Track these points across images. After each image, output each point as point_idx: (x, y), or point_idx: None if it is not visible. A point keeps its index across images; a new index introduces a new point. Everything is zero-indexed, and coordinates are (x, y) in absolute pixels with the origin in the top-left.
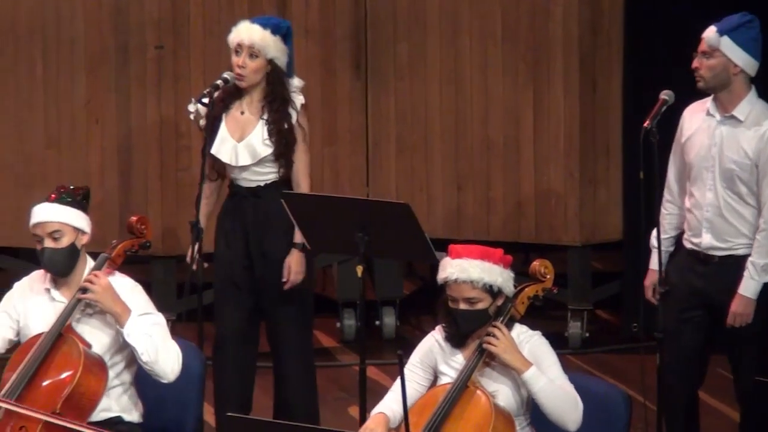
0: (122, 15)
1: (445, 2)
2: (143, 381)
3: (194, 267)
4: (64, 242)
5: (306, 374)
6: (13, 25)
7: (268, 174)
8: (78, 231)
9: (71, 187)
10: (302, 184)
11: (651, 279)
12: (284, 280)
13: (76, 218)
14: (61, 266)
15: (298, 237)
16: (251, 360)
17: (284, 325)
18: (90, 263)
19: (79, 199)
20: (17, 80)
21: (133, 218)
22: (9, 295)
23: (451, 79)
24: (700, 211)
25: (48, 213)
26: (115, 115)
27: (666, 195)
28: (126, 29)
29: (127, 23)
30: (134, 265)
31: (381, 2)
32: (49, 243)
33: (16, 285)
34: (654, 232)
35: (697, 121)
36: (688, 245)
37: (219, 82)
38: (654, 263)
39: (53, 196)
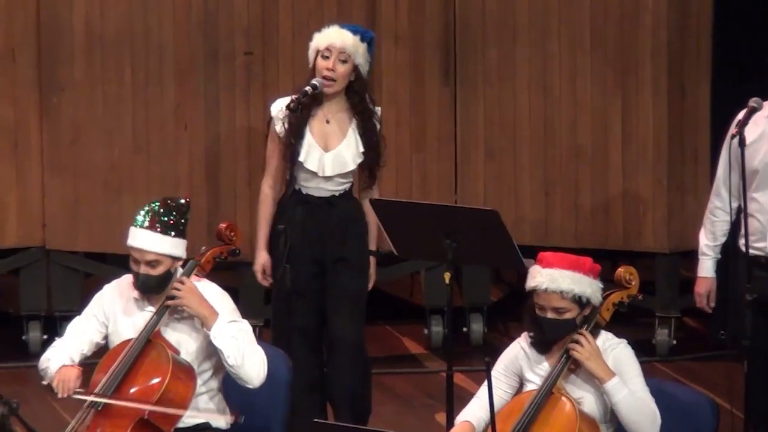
0: (211, 22)
1: (533, 9)
2: (230, 387)
3: (281, 273)
4: (160, 270)
5: (361, 373)
6: (102, 33)
7: (345, 184)
8: (175, 259)
9: (172, 203)
10: (375, 193)
11: (705, 287)
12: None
13: (175, 248)
14: (153, 290)
15: (374, 244)
16: (320, 364)
17: (344, 325)
18: (179, 271)
19: (181, 227)
20: (106, 87)
21: (222, 225)
22: (98, 298)
23: (539, 85)
24: (766, 216)
25: (147, 242)
26: (204, 121)
27: (715, 201)
28: (215, 36)
29: (216, 30)
30: (222, 271)
31: (470, 8)
32: (144, 269)
33: (106, 287)
34: (703, 240)
35: (758, 126)
36: (750, 251)
37: (308, 89)
38: (705, 270)
39: (154, 222)
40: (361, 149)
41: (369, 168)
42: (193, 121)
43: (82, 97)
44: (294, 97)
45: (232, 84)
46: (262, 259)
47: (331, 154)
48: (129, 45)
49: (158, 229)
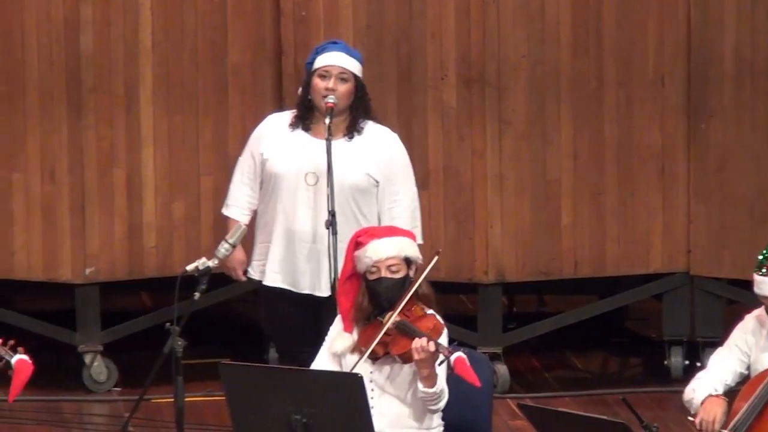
0: None
1: None
2: None
3: None
4: None
5: None
6: (752, 60)
7: None
8: None
9: None
10: None
11: None
12: None
13: None
14: None
15: None
16: None
17: None
18: None
19: None
20: (754, 114)
21: None
22: (741, 328)
23: None
24: None
25: None
26: None
27: None
28: None
29: None
30: None
31: None
32: None
33: (747, 318)
34: None
35: None
36: None
37: None
38: None
39: None
40: None
41: None
42: None
43: (730, 123)
44: None
45: None
46: None
47: None
48: None
49: None
